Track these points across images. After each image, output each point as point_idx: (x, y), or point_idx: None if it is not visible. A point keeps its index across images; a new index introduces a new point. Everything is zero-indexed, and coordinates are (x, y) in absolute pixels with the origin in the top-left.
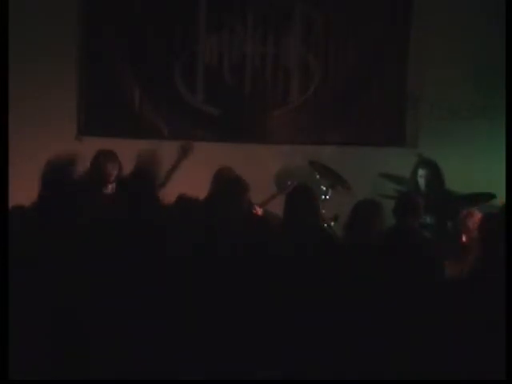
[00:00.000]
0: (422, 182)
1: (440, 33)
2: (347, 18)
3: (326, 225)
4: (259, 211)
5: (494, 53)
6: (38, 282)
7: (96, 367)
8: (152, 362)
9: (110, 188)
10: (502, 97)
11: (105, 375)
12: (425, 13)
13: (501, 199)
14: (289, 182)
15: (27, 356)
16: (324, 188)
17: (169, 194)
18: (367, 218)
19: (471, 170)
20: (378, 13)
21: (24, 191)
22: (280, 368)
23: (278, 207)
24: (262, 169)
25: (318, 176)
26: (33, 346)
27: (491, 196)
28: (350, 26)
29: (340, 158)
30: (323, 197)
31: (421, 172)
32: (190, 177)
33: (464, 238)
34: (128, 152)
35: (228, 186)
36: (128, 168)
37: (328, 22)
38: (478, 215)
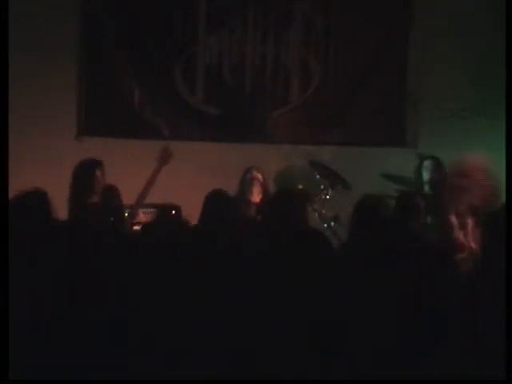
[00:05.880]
0: (426, 173)
1: (440, 33)
2: (347, 17)
3: (325, 225)
4: None
5: (493, 53)
6: (38, 282)
7: (96, 367)
8: (152, 361)
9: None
10: (502, 97)
11: (105, 375)
12: (425, 13)
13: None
14: None
15: (27, 356)
16: (324, 188)
17: (172, 194)
18: (368, 217)
19: None
20: (378, 13)
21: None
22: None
23: None
24: (262, 169)
25: (317, 176)
26: (33, 346)
27: None
28: (350, 25)
29: (340, 157)
30: (323, 197)
31: (426, 163)
32: (190, 177)
33: (464, 238)
34: (128, 152)
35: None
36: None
37: (328, 22)
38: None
